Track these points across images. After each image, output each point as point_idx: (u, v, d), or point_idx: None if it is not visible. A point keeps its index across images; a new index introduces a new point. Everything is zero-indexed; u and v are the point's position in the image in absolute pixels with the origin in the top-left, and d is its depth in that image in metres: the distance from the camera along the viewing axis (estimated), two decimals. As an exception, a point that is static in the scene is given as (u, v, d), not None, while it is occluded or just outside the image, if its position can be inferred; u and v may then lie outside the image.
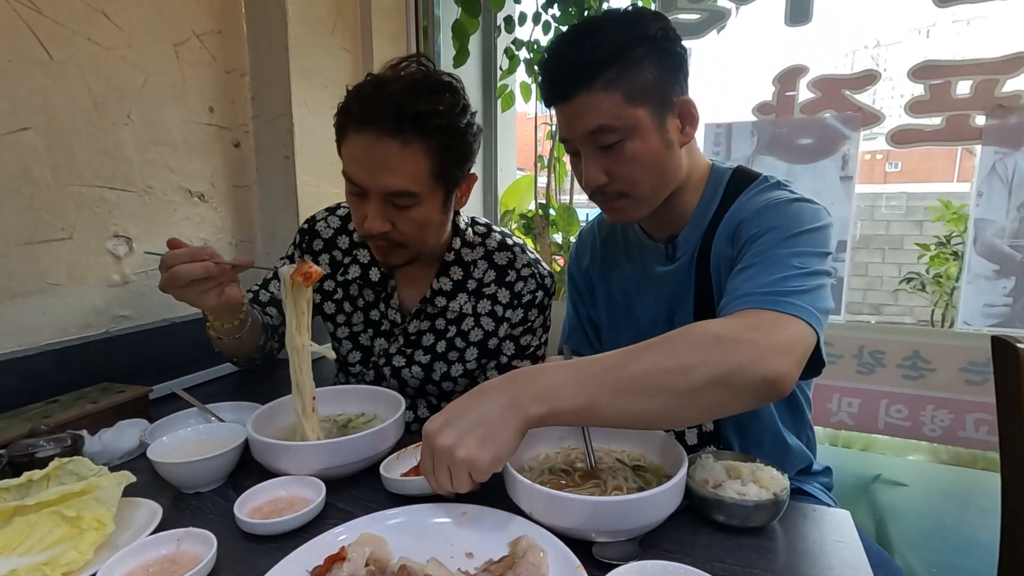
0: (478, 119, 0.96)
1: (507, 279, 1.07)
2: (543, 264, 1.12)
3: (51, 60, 1.08)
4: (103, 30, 1.16)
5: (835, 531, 0.71)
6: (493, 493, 0.80)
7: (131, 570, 0.64)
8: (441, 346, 1.08)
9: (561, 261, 2.20)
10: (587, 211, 2.13)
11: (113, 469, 0.79)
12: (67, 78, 1.11)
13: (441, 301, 1.07)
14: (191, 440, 0.90)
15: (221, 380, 1.37)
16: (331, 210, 1.14)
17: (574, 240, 1.18)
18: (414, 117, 0.86)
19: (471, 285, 1.07)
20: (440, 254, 1.07)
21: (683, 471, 0.70)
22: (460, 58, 1.96)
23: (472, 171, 1.01)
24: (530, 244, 2.51)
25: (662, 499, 0.67)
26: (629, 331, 1.03)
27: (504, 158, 2.57)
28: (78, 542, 0.66)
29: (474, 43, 2.19)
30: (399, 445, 0.90)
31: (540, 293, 1.08)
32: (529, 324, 1.09)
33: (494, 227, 1.13)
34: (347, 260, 1.10)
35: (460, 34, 1.92)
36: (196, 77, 1.36)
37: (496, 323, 1.07)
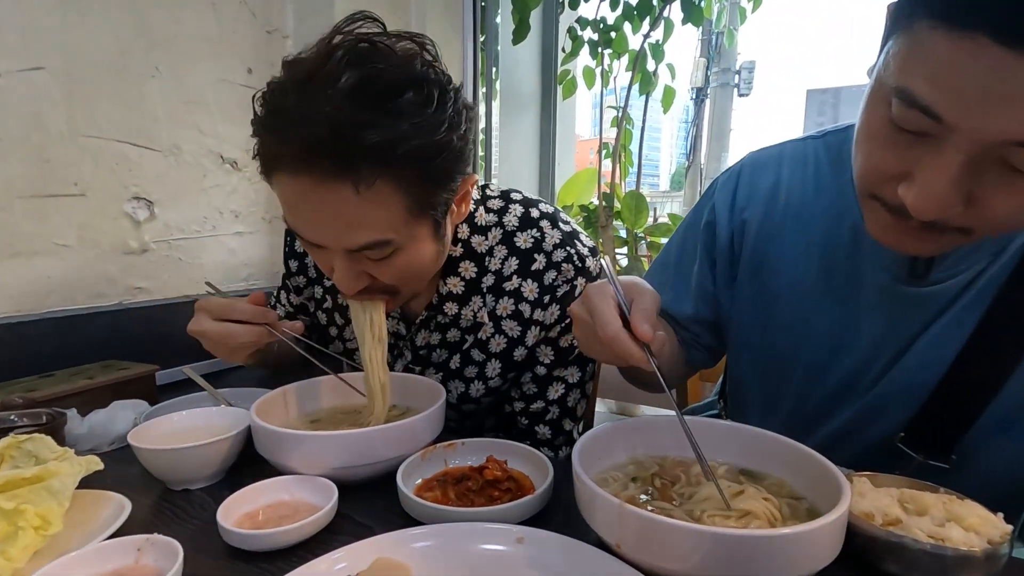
0: (482, 97, 0.68)
1: (533, 267, 0.79)
2: (582, 238, 0.83)
3: (73, -4, 0.98)
4: (133, -30, 1.06)
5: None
6: (560, 510, 0.60)
7: (66, 588, 0.47)
8: (455, 362, 0.85)
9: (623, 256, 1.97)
10: (656, 203, 1.91)
11: (102, 456, 0.64)
12: (91, 18, 1.01)
13: (452, 307, 0.83)
14: (186, 426, 0.74)
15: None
16: None
17: (732, 168, 0.78)
18: (368, 151, 0.59)
19: (488, 281, 0.82)
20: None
21: (846, 500, 0.47)
22: (520, 33, 1.81)
23: (468, 173, 0.72)
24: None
25: (822, 538, 0.44)
26: (788, 341, 0.72)
27: (562, 150, 2.39)
28: (8, 545, 0.50)
29: (535, 24, 2.04)
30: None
31: (581, 280, 0.80)
32: (569, 321, 0.81)
33: (513, 195, 0.85)
34: None
35: (521, 6, 1.76)
36: (234, 34, 1.25)
37: (523, 327, 0.81)
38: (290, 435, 0.64)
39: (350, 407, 0.82)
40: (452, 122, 0.65)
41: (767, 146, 0.79)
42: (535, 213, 0.83)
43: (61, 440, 0.73)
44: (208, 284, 0.79)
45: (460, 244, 0.82)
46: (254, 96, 0.63)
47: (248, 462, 0.70)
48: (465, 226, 0.82)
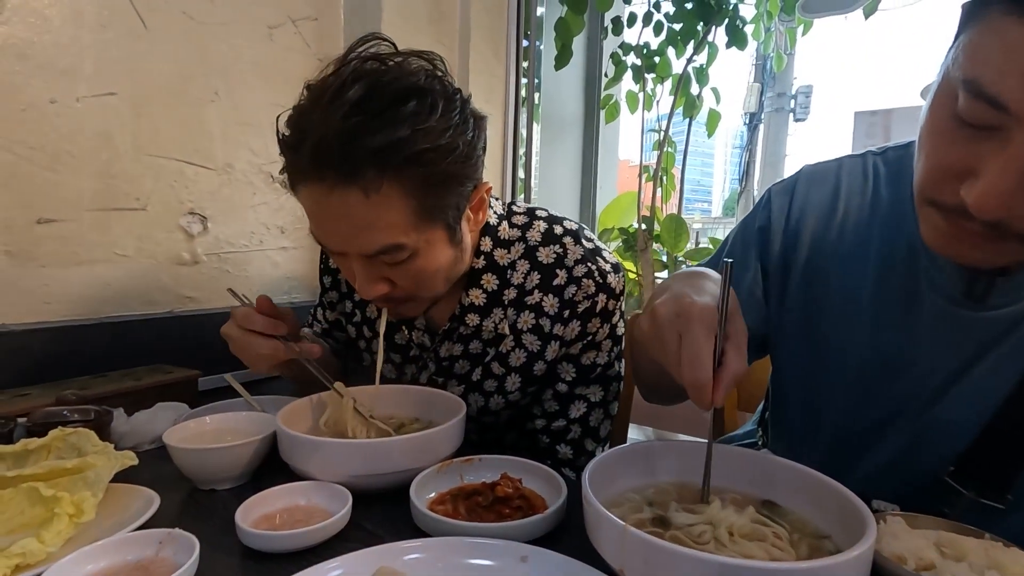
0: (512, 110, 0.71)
1: (555, 282, 0.80)
2: (605, 255, 0.84)
3: (145, 29, 1.07)
4: (198, 5, 1.15)
5: None
6: (573, 532, 0.59)
7: (89, 574, 0.50)
8: (477, 374, 0.86)
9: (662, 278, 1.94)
10: (707, 229, 1.87)
11: (141, 454, 0.68)
12: (158, 49, 1.10)
13: (473, 319, 0.83)
14: (219, 428, 0.78)
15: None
16: None
17: (788, 178, 0.77)
18: (371, 155, 0.62)
19: (509, 295, 0.82)
20: (468, 262, 0.85)
21: (871, 537, 0.44)
22: (562, 59, 1.84)
23: (482, 181, 0.76)
24: (630, 266, 2.27)
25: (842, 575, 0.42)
26: (837, 359, 0.69)
27: (605, 173, 2.39)
28: (44, 529, 0.53)
29: (578, 49, 2.07)
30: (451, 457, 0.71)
31: (602, 297, 0.80)
32: (591, 338, 0.82)
33: (539, 212, 0.87)
34: None
35: (563, 33, 1.80)
36: (288, 62, 1.32)
37: (543, 342, 0.81)
38: (308, 441, 0.65)
39: (378, 418, 0.84)
40: (457, 128, 0.67)
41: (825, 160, 0.76)
42: (559, 230, 0.84)
43: (106, 436, 0.77)
44: (231, 291, 0.84)
45: (483, 256, 0.83)
46: (278, 117, 0.68)
47: (274, 467, 0.71)
48: (488, 239, 0.83)
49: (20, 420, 0.75)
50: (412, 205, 0.67)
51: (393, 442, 0.66)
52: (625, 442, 1.14)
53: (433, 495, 0.65)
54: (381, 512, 0.64)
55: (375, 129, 0.62)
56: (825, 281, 0.70)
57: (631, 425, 1.22)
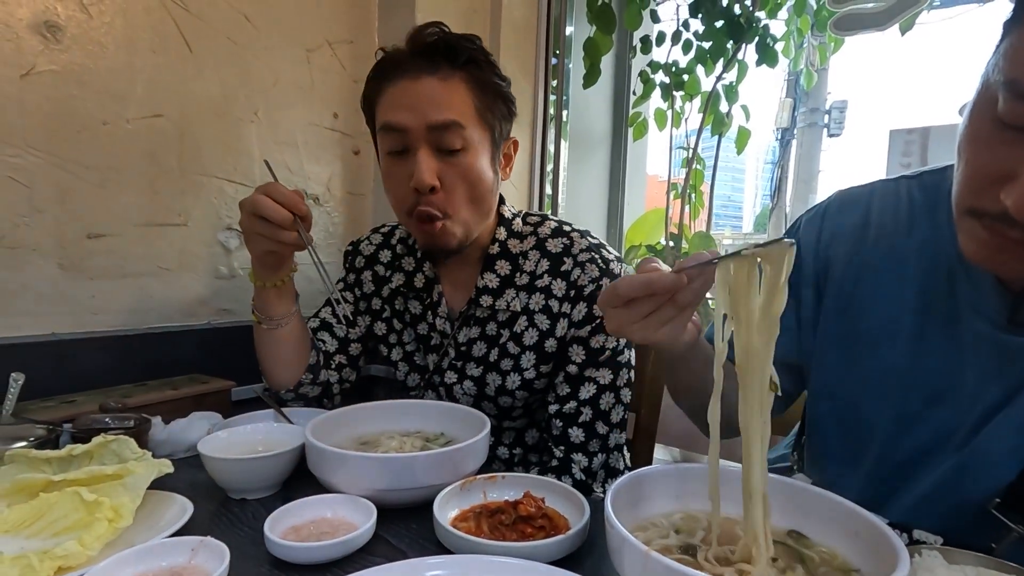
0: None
1: (562, 268, 0.90)
2: (608, 249, 0.94)
3: (191, 54, 1.13)
4: (242, 30, 1.20)
5: None
6: (595, 553, 0.59)
7: (126, 578, 0.52)
8: (494, 354, 0.93)
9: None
10: (727, 244, 1.84)
11: (176, 462, 0.70)
12: (203, 72, 1.15)
13: (487, 300, 0.92)
14: (252, 439, 0.80)
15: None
16: (375, 230, 1.09)
17: (818, 205, 0.78)
18: (446, 50, 0.82)
19: (521, 279, 0.92)
20: (484, 247, 0.94)
21: (903, 572, 0.43)
22: (591, 77, 1.85)
23: (513, 136, 0.94)
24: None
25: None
26: (876, 387, 0.67)
27: (633, 191, 2.38)
28: (85, 533, 0.55)
29: (607, 67, 2.08)
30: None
31: (606, 281, 0.89)
32: (598, 321, 0.89)
33: (551, 216, 0.98)
34: (389, 272, 1.02)
35: (592, 52, 1.81)
36: (324, 83, 1.37)
37: (552, 321, 0.90)
38: (334, 453, 0.67)
39: (401, 431, 0.85)
40: (500, 73, 0.88)
41: (856, 185, 0.76)
42: (567, 228, 0.95)
43: (144, 443, 0.80)
44: (266, 162, 0.91)
45: (497, 244, 0.93)
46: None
47: (303, 478, 0.73)
48: (503, 229, 0.94)
49: (66, 426, 0.79)
50: (472, 100, 0.84)
51: (416, 457, 0.67)
52: (651, 463, 1.12)
53: (456, 512, 0.65)
54: (405, 527, 0.65)
55: (450, 38, 0.83)
56: (861, 307, 0.69)
57: (657, 446, 1.20)
